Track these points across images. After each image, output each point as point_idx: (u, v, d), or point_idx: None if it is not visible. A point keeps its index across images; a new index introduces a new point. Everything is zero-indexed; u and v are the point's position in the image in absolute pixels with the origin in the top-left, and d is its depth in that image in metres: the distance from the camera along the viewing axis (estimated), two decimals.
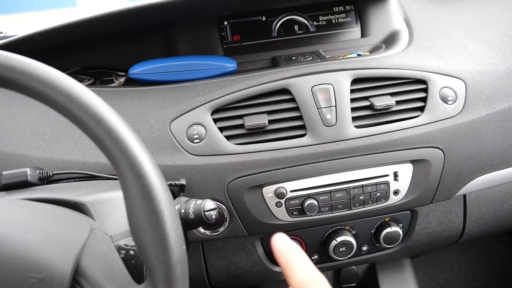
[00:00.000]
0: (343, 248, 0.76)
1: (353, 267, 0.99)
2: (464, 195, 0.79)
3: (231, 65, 0.79)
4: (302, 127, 0.69)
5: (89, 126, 0.40)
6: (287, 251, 0.36)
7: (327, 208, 0.70)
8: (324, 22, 0.90)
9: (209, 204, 0.54)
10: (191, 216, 0.54)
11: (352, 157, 0.69)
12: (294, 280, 0.34)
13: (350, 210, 0.71)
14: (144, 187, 0.40)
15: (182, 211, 0.54)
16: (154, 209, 0.40)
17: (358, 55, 0.83)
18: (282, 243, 0.37)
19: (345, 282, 0.98)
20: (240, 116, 0.69)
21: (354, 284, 0.99)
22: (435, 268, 1.37)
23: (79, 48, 0.90)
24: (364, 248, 0.81)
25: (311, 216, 0.70)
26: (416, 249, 0.85)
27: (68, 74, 0.86)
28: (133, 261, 0.50)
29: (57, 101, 0.39)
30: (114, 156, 0.40)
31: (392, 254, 0.84)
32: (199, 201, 0.55)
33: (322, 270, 0.84)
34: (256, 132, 0.69)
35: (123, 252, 0.51)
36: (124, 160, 0.39)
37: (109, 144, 0.40)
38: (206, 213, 0.53)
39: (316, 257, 0.80)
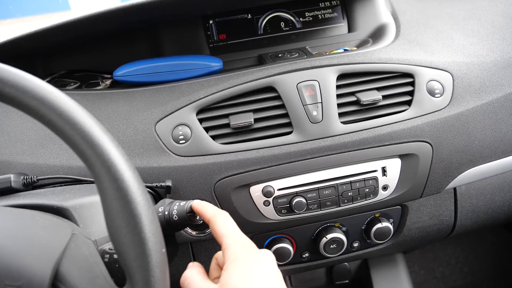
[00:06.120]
0: (334, 245, 0.75)
1: (346, 263, 0.98)
2: (455, 189, 0.79)
3: (216, 64, 0.78)
4: (288, 124, 0.69)
5: (64, 131, 0.39)
6: (201, 203, 0.52)
7: (315, 205, 0.70)
8: (311, 18, 0.89)
9: None
10: (175, 218, 0.53)
11: (339, 153, 0.69)
12: (207, 215, 0.50)
13: (339, 206, 0.71)
14: (120, 191, 0.39)
15: (166, 213, 0.54)
16: (132, 212, 0.39)
17: (345, 50, 0.83)
18: (198, 203, 0.53)
19: (338, 279, 0.97)
20: (226, 116, 0.69)
21: (347, 281, 0.98)
22: (431, 262, 1.37)
23: (65, 52, 0.89)
24: (355, 245, 0.80)
25: (299, 214, 0.70)
26: (408, 244, 0.84)
27: (54, 77, 0.86)
28: (117, 265, 0.49)
29: (30, 106, 0.39)
30: (90, 160, 0.39)
31: (384, 249, 0.83)
32: (182, 203, 0.54)
33: (314, 267, 0.83)
34: (242, 131, 0.69)
35: (107, 256, 0.50)
36: (99, 164, 0.39)
37: (84, 148, 0.39)
38: (189, 214, 0.53)
39: (307, 254, 0.79)
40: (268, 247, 0.76)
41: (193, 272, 0.47)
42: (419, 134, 0.70)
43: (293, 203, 0.68)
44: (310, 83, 0.70)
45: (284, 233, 0.76)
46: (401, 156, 0.71)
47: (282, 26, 0.89)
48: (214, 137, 0.68)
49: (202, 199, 0.67)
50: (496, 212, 0.84)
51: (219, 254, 0.53)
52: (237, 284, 0.41)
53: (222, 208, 0.68)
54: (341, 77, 0.72)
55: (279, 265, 0.49)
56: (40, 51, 0.87)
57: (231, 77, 0.71)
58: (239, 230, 0.49)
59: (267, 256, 0.46)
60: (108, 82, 0.85)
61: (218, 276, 0.50)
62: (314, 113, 0.68)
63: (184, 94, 0.70)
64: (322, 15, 0.89)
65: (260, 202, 0.69)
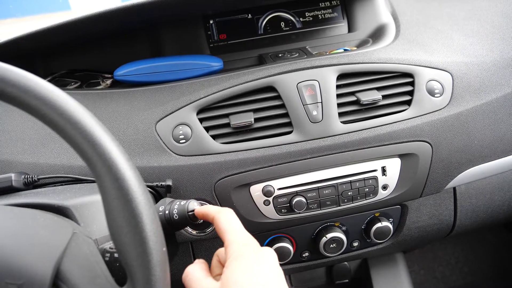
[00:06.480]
0: (334, 245, 0.76)
1: (345, 263, 0.98)
2: (454, 188, 0.79)
3: (217, 64, 0.79)
4: (289, 124, 0.69)
5: (65, 130, 0.39)
6: (203, 207, 0.53)
7: (315, 205, 0.70)
8: (311, 18, 0.90)
9: (193, 204, 0.54)
10: (175, 217, 0.53)
11: (339, 153, 0.69)
12: (211, 212, 0.50)
13: (339, 206, 0.71)
14: (121, 190, 0.39)
15: (167, 212, 0.54)
16: (132, 212, 0.39)
17: (345, 50, 0.83)
18: (199, 208, 0.54)
19: (338, 278, 0.98)
20: (226, 115, 0.69)
21: (347, 280, 0.99)
22: (431, 262, 1.37)
23: (66, 51, 0.89)
24: (355, 244, 0.81)
25: (299, 213, 0.70)
26: (407, 244, 0.85)
27: (55, 77, 0.86)
28: (117, 264, 0.49)
29: (31, 105, 0.39)
30: (91, 159, 0.39)
31: (384, 249, 0.84)
32: (183, 202, 0.54)
33: (314, 266, 0.84)
34: (242, 131, 0.69)
35: (108, 255, 0.50)
36: (100, 163, 0.39)
37: (85, 147, 0.39)
38: (190, 213, 0.53)
39: (307, 254, 0.80)
40: (268, 246, 0.76)
41: (195, 268, 0.47)
42: (418, 133, 0.71)
43: (293, 203, 0.68)
44: (310, 83, 0.70)
45: (284, 232, 0.76)
46: (400, 156, 0.71)
47: (282, 26, 0.89)
48: (214, 137, 0.68)
49: (202, 199, 0.67)
50: (495, 212, 0.84)
51: (220, 250, 0.53)
52: (239, 282, 0.41)
53: None
54: (341, 77, 0.72)
55: (279, 265, 0.49)
56: (41, 51, 0.87)
57: (232, 77, 0.72)
58: (243, 227, 0.49)
59: (269, 254, 0.46)
60: (109, 81, 0.85)
61: (220, 273, 0.50)
62: (314, 112, 0.69)
63: (184, 94, 0.71)
64: (322, 15, 0.90)
65: (260, 202, 0.69)
